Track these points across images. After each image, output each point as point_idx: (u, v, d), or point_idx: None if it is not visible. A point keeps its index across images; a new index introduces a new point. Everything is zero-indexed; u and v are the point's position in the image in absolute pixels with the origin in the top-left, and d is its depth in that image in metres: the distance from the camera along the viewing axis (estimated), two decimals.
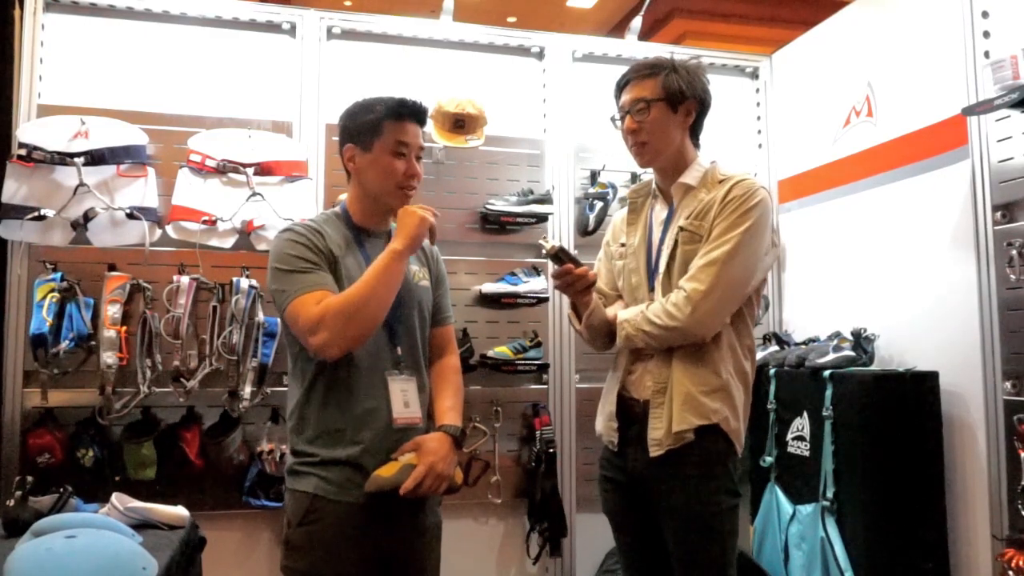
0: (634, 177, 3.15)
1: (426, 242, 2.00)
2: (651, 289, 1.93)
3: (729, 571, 1.86)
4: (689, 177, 1.92)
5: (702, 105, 1.94)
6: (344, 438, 1.74)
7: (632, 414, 1.93)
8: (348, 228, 1.85)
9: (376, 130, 1.78)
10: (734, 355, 1.88)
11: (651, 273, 1.94)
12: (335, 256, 1.77)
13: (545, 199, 3.08)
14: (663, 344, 1.85)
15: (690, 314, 1.78)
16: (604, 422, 2.00)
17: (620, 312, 1.94)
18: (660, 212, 1.99)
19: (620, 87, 1.97)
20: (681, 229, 1.88)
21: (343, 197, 1.95)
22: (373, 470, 1.70)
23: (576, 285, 1.87)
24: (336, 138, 1.88)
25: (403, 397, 1.80)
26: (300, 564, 1.72)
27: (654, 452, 1.84)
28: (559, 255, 1.85)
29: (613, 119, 2.01)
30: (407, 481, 1.67)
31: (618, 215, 2.14)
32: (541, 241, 1.88)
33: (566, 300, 2.03)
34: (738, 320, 1.89)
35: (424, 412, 1.85)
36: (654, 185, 2.03)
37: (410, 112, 1.80)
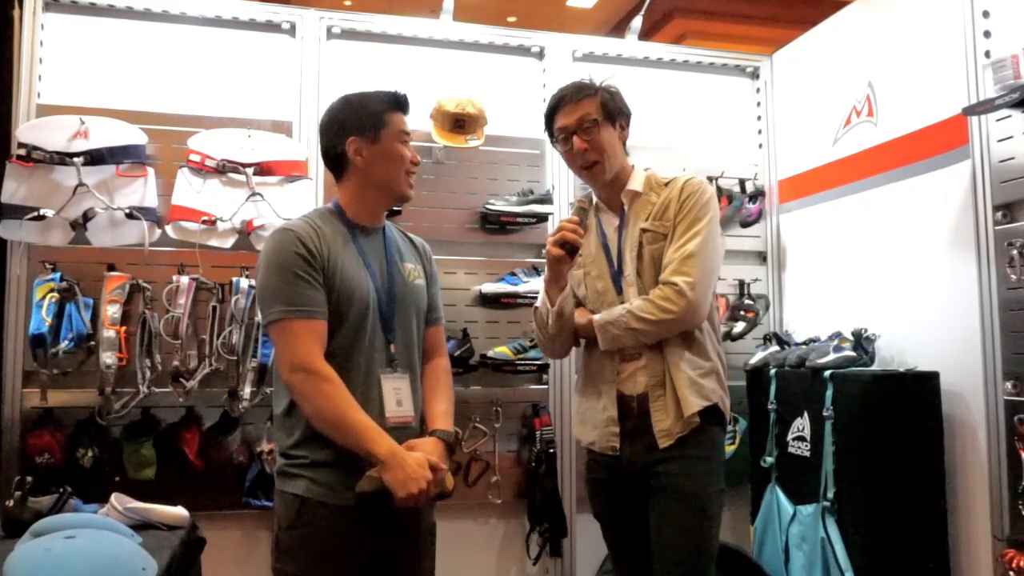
0: None
1: (419, 238, 2.04)
2: (619, 292, 2.01)
3: (710, 560, 1.91)
4: (635, 184, 2.05)
5: (628, 120, 2.08)
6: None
7: (627, 409, 1.97)
8: (343, 225, 1.84)
9: (381, 121, 1.83)
10: (712, 340, 2.01)
11: (615, 276, 2.02)
12: (333, 254, 1.76)
13: (545, 199, 3.08)
14: (655, 338, 1.93)
15: (686, 305, 1.88)
16: (601, 429, 2.00)
17: (596, 317, 1.98)
18: (611, 220, 2.08)
19: (552, 112, 2.05)
20: (644, 230, 2.00)
21: None
22: (365, 471, 1.66)
23: (571, 236, 1.88)
24: None
25: (396, 396, 1.78)
26: (291, 568, 1.70)
27: (664, 443, 1.91)
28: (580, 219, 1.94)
29: (553, 143, 2.09)
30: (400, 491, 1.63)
31: None
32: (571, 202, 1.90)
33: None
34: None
35: (417, 411, 1.83)
36: (594, 199, 2.09)
37: (406, 103, 1.89)
